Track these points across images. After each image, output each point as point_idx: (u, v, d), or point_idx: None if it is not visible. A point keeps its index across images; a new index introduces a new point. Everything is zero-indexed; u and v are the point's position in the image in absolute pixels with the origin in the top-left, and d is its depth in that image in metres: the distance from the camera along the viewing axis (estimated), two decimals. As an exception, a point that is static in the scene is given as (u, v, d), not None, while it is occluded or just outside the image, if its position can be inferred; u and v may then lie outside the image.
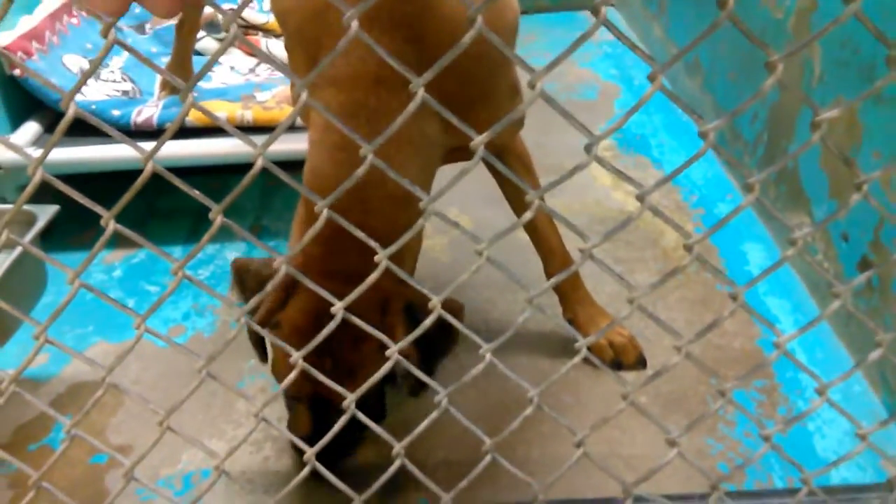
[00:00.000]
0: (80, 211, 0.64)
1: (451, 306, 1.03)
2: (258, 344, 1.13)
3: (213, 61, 0.60)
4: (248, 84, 2.10)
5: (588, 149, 0.67)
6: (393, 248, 0.69)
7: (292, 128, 1.77)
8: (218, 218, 0.67)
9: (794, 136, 1.56)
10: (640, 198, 0.71)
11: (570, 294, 1.45)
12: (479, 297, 1.62)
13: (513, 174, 0.69)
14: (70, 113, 0.60)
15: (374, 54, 0.77)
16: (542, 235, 1.42)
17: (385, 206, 1.04)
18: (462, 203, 1.90)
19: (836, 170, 1.41)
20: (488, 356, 0.78)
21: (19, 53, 1.82)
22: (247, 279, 1.10)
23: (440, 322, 0.75)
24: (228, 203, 0.66)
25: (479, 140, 0.65)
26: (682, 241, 0.74)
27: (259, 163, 0.65)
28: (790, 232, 0.78)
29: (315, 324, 0.97)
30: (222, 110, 1.80)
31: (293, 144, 1.73)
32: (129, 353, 0.74)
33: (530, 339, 1.51)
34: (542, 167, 1.41)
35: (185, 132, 1.73)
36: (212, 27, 2.34)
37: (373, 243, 0.68)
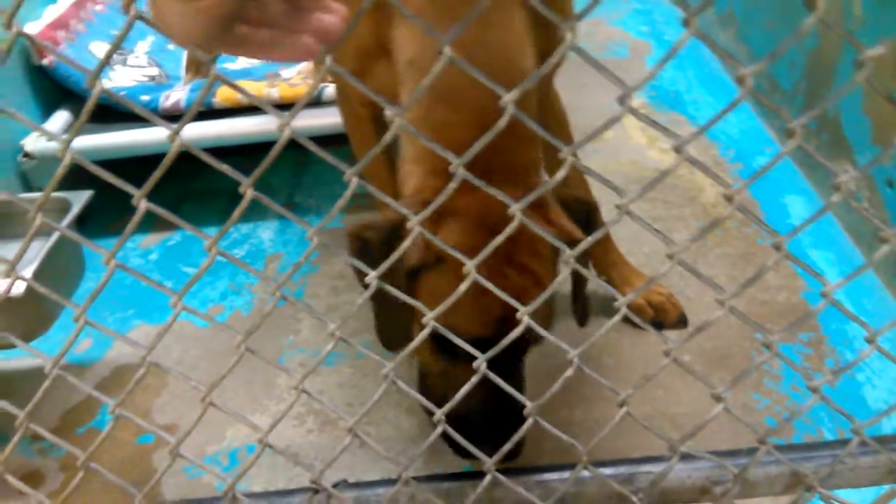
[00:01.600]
0: (115, 198, 0.64)
1: (593, 205, 1.01)
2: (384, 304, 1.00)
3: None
4: (273, 62, 2.09)
5: (622, 100, 0.65)
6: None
7: (320, 103, 1.77)
8: (248, 191, 0.67)
9: (834, 83, 1.51)
10: (678, 149, 0.69)
11: (603, 257, 1.43)
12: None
13: (547, 132, 0.68)
14: (96, 90, 0.60)
15: None
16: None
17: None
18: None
19: (880, 114, 1.36)
20: (525, 318, 0.77)
21: (47, 43, 1.83)
22: (370, 238, 1.00)
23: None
24: (257, 176, 0.65)
25: (508, 98, 0.64)
26: (722, 194, 0.72)
27: (286, 133, 0.64)
28: (833, 178, 0.75)
29: (481, 246, 0.89)
30: (248, 90, 1.79)
31: (322, 119, 1.73)
32: (167, 330, 0.75)
33: (567, 302, 1.49)
34: (575, 128, 1.39)
35: (213, 114, 1.73)
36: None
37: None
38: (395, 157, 1.44)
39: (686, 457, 0.88)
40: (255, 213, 1.82)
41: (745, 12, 1.92)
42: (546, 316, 0.96)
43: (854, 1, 1.38)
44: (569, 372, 0.80)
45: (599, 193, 1.39)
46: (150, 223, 1.79)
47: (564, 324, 1.43)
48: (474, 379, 0.77)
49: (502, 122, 0.61)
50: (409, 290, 0.92)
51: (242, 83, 1.86)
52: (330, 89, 1.75)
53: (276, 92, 1.78)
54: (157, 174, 0.63)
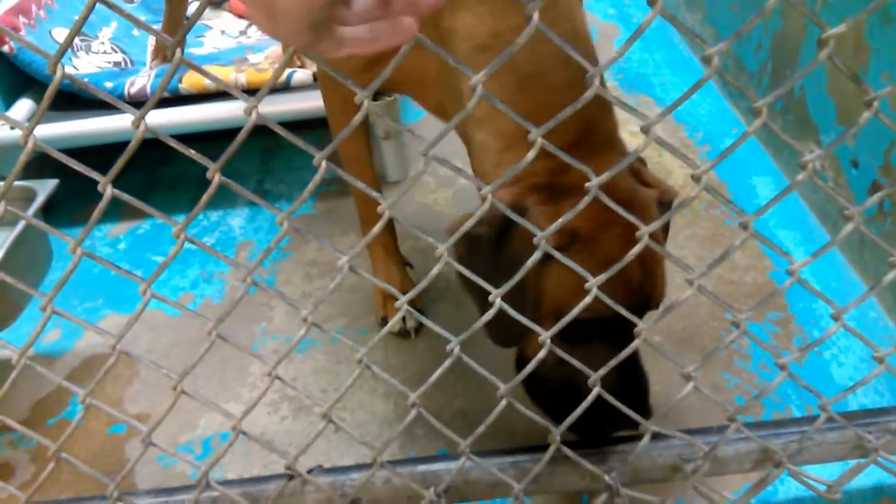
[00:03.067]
0: (82, 187, 0.63)
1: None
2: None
3: (197, 17, 0.58)
4: (240, 47, 2.07)
5: (590, 80, 0.65)
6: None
7: (288, 88, 1.75)
8: (216, 177, 0.66)
9: (799, 63, 1.53)
10: (645, 129, 0.69)
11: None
12: (487, 247, 1.61)
13: (515, 113, 0.68)
14: (58, 76, 0.59)
15: None
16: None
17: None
18: (463, 155, 1.87)
19: (844, 94, 1.38)
20: (498, 301, 0.77)
21: (6, 29, 1.79)
22: (480, 233, 0.92)
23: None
24: (224, 160, 0.64)
25: (477, 78, 0.64)
26: (690, 174, 0.72)
27: (253, 117, 0.63)
28: (799, 157, 0.76)
29: (607, 218, 0.83)
30: (215, 75, 1.77)
31: (291, 105, 1.71)
32: (137, 318, 0.74)
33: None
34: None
35: (180, 100, 1.71)
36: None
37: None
38: (371, 140, 1.44)
39: (657, 435, 0.90)
40: (225, 200, 1.80)
41: (711, -6, 1.93)
42: (664, 282, 0.94)
43: (818, -17, 1.40)
44: (541, 353, 0.81)
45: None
46: (118, 212, 1.76)
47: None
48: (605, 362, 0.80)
49: (590, 94, 0.63)
50: (539, 277, 0.89)
51: (210, 68, 1.83)
52: (299, 74, 1.73)
53: (243, 77, 1.75)
54: (123, 160, 0.63)
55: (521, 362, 0.99)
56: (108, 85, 1.75)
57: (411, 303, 1.38)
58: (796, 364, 1.23)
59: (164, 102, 1.68)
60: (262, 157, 1.96)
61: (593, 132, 0.92)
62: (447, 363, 0.79)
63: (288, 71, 1.72)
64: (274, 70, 1.77)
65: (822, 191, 1.44)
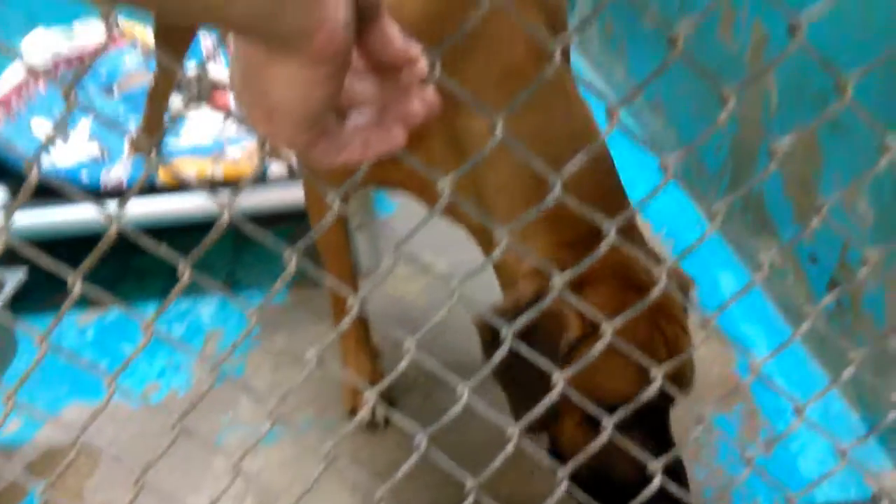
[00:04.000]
0: (52, 275, 0.64)
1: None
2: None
3: (175, 120, 0.61)
4: (219, 140, 2.11)
5: (552, 184, 0.68)
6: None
7: (264, 181, 1.78)
8: (186, 273, 0.67)
9: (757, 165, 1.59)
10: (608, 229, 0.72)
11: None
12: (458, 337, 1.61)
13: (483, 214, 0.71)
14: (32, 178, 0.60)
15: None
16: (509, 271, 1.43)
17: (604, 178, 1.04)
18: (436, 246, 1.90)
19: (800, 196, 1.44)
20: (466, 394, 0.78)
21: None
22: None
23: None
24: (195, 258, 0.66)
25: (443, 183, 0.66)
26: (654, 271, 0.75)
27: (225, 216, 0.65)
28: (757, 256, 0.79)
29: (631, 304, 0.83)
30: (192, 168, 1.80)
31: (266, 197, 1.74)
32: (100, 412, 0.73)
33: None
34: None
35: (155, 192, 1.73)
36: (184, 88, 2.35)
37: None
38: (349, 233, 1.46)
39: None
40: (195, 288, 1.80)
41: (671, 100, 2.02)
42: (692, 366, 0.96)
43: (771, 91, 1.48)
44: (509, 448, 0.81)
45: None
46: (87, 299, 1.75)
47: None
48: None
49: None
50: (566, 367, 0.91)
51: (187, 160, 1.87)
52: (275, 168, 1.77)
53: (220, 170, 1.79)
54: (93, 257, 0.64)
55: (553, 445, 0.99)
56: (85, 177, 1.77)
57: (381, 394, 1.39)
58: (763, 457, 1.23)
59: (140, 192, 1.70)
60: (234, 246, 1.97)
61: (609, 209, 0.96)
62: (413, 458, 0.79)
63: (265, 165, 1.76)
64: (252, 164, 1.80)
65: (783, 286, 1.48)
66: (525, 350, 0.75)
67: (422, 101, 0.53)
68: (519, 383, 0.81)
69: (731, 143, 1.68)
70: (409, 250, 0.71)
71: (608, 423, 0.79)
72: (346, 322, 0.74)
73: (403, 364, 0.75)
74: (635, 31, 2.33)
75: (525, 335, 0.91)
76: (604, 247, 0.70)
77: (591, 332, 0.88)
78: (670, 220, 1.97)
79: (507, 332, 0.75)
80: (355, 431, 1.36)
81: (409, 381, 1.48)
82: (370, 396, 0.77)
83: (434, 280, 1.80)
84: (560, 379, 0.77)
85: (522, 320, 0.75)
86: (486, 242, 1.04)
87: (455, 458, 0.82)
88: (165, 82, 1.95)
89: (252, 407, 1.45)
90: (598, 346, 0.76)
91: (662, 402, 0.83)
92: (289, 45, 0.43)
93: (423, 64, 0.52)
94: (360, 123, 0.52)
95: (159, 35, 1.78)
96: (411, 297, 1.76)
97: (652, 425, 0.86)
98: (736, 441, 0.85)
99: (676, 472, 0.93)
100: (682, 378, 0.94)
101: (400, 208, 2.03)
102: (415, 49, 0.51)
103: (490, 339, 0.92)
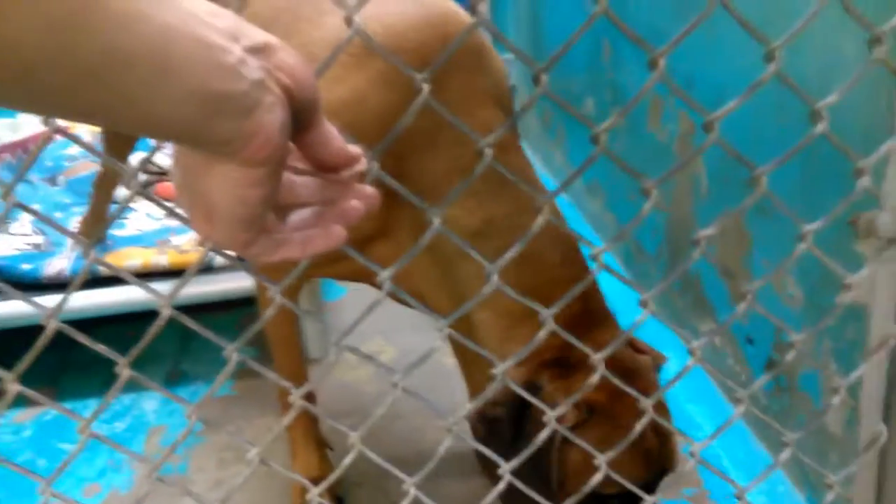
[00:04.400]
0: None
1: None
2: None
3: (116, 217, 0.61)
4: (164, 229, 2.10)
5: (488, 276, 0.70)
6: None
7: (211, 270, 1.77)
8: (125, 372, 0.67)
9: (691, 247, 1.65)
10: (544, 319, 0.74)
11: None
12: (408, 426, 1.61)
13: (419, 305, 0.72)
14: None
15: None
16: (463, 360, 1.44)
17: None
18: (387, 331, 1.90)
19: (731, 280, 1.49)
20: (412, 490, 0.77)
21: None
22: (499, 415, 0.95)
23: None
24: (134, 356, 0.65)
25: (385, 275, 0.68)
26: (589, 357, 0.77)
27: (165, 312, 0.65)
28: (689, 342, 0.82)
29: (616, 397, 0.88)
30: (137, 257, 1.79)
31: (213, 286, 1.73)
32: (32, 520, 0.71)
33: (465, 466, 1.49)
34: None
35: (98, 282, 1.70)
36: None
37: None
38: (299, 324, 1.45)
39: None
40: (137, 384, 1.76)
41: (609, 183, 2.10)
42: (676, 448, 0.99)
43: (701, 177, 1.54)
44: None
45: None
46: (24, 398, 1.69)
47: (460, 488, 1.43)
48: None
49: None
50: (562, 456, 0.91)
51: (131, 250, 1.85)
52: (220, 258, 1.76)
53: (165, 259, 1.78)
54: (30, 358, 0.63)
55: None
56: (26, 267, 1.74)
57: (331, 490, 1.36)
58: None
59: (84, 284, 1.67)
60: (181, 336, 1.94)
61: (589, 307, 0.98)
62: None
63: (211, 253, 1.76)
64: (198, 252, 1.80)
65: (724, 368, 1.51)
66: (523, 484, 0.76)
67: (361, 198, 0.55)
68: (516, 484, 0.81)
69: (666, 227, 1.74)
70: (356, 338, 0.72)
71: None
72: (290, 417, 0.74)
73: (347, 460, 0.74)
74: (572, 119, 2.42)
75: (517, 425, 0.92)
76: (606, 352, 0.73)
77: (584, 419, 0.90)
78: (614, 298, 2.01)
79: (505, 470, 0.75)
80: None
81: (359, 473, 1.46)
82: (313, 497, 0.76)
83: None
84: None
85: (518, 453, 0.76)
86: (465, 329, 1.05)
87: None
88: (112, 171, 1.95)
89: (195, 505, 1.40)
90: (603, 468, 0.79)
91: (652, 486, 0.85)
92: (223, 151, 0.44)
93: (363, 162, 0.54)
94: (300, 222, 0.54)
95: (105, 129, 1.79)
96: (361, 384, 1.74)
97: None
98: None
99: None
100: (670, 461, 0.97)
101: (350, 293, 2.03)
102: (354, 148, 0.53)
103: (485, 434, 0.93)
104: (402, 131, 0.55)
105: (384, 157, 0.98)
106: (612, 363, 0.84)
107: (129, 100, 0.39)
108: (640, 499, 0.86)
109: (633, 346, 1.01)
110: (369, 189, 0.55)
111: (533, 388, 0.89)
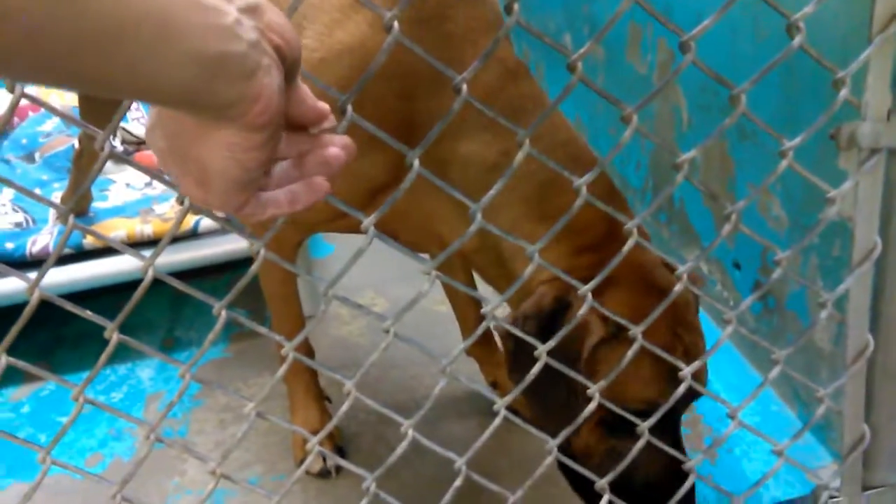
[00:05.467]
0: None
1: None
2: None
3: (90, 182, 0.61)
4: (146, 198, 2.08)
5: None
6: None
7: (197, 235, 1.76)
8: (114, 336, 0.67)
9: (674, 178, 1.65)
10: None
11: (487, 358, 1.46)
12: (405, 374, 1.62)
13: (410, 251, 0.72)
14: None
15: None
16: (457, 303, 1.44)
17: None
18: (377, 284, 1.91)
19: (716, 205, 1.50)
20: (410, 432, 0.78)
21: None
22: (529, 328, 0.92)
23: None
24: (121, 320, 0.65)
25: (367, 222, 0.68)
26: (580, 292, 0.77)
27: (150, 274, 0.65)
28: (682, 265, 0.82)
29: (652, 307, 0.82)
30: (121, 228, 1.77)
31: (200, 251, 1.72)
32: (35, 489, 0.72)
33: (461, 408, 1.51)
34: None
35: (87, 254, 1.69)
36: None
37: None
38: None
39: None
40: (133, 352, 1.76)
41: (591, 119, 2.08)
42: (706, 368, 0.97)
43: (681, 106, 1.54)
44: (458, 482, 0.82)
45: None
46: (20, 375, 1.70)
47: (459, 430, 1.45)
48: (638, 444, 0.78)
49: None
50: (589, 369, 0.90)
51: (115, 221, 1.84)
52: (205, 220, 1.75)
53: (149, 228, 1.76)
54: (16, 328, 0.63)
55: (566, 453, 0.96)
56: (9, 246, 1.72)
57: (331, 439, 1.38)
58: (709, 463, 1.26)
59: (69, 258, 1.66)
60: (172, 305, 1.94)
61: (618, 226, 0.97)
62: (364, 502, 0.78)
63: (195, 218, 1.74)
64: (183, 220, 1.78)
65: (713, 292, 1.53)
66: (556, 363, 0.76)
67: (338, 146, 0.55)
68: (543, 392, 0.81)
69: (650, 160, 1.74)
70: (347, 291, 0.72)
71: (644, 427, 0.81)
72: (283, 369, 0.74)
73: (344, 408, 0.75)
74: (552, 55, 2.40)
75: (545, 339, 0.92)
76: (627, 247, 0.72)
77: (613, 334, 0.90)
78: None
79: (542, 350, 0.76)
80: (307, 481, 1.35)
81: (359, 422, 1.47)
82: (313, 445, 0.77)
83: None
84: (596, 392, 0.78)
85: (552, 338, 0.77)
86: (496, 262, 1.04)
87: (408, 494, 0.82)
88: (90, 144, 1.92)
89: (199, 469, 1.42)
90: (629, 354, 0.78)
91: (680, 405, 0.85)
92: (224, 116, 0.44)
93: (332, 119, 0.54)
94: (282, 174, 0.53)
95: (81, 98, 1.76)
96: (354, 337, 1.75)
97: (666, 427, 0.88)
98: (676, 451, 0.87)
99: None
100: (699, 381, 0.97)
101: (338, 249, 2.03)
102: (323, 105, 0.53)
103: (513, 347, 0.92)
104: (412, 72, 0.54)
105: (396, 99, 0.96)
106: (649, 281, 0.85)
107: (130, 65, 0.39)
108: (664, 418, 0.85)
109: (668, 267, 1.00)
110: (343, 137, 0.55)
111: (564, 303, 0.89)
